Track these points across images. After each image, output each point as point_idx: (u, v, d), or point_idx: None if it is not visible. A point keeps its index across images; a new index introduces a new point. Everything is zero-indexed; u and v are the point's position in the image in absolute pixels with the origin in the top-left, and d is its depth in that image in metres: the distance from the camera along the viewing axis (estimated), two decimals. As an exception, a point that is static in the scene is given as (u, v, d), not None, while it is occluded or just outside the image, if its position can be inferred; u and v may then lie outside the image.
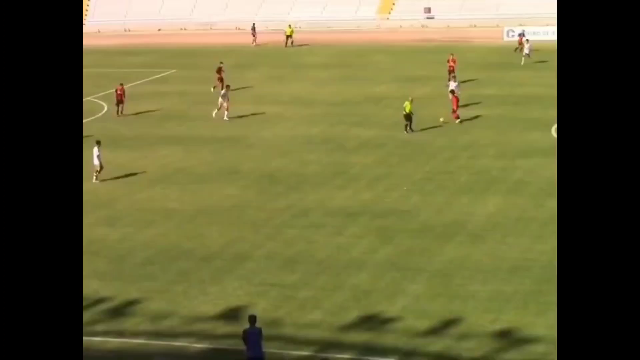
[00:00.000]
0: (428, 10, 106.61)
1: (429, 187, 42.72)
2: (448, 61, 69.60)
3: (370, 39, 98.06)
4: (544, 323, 27.71)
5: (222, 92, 60.32)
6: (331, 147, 51.34)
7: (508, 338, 26.93)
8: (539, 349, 26.14)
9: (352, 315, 28.86)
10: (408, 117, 53.83)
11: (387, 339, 27.20)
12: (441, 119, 55.29)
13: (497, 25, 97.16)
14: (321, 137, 53.95)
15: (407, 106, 53.87)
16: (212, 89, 69.42)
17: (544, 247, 34.14)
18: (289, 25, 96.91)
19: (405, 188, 42.59)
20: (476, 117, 57.77)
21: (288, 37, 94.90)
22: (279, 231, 37.11)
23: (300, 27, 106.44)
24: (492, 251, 34.06)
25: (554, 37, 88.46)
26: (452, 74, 66.36)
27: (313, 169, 46.65)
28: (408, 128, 53.78)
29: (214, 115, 59.29)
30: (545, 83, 67.36)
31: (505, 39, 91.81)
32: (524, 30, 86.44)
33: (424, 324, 27.96)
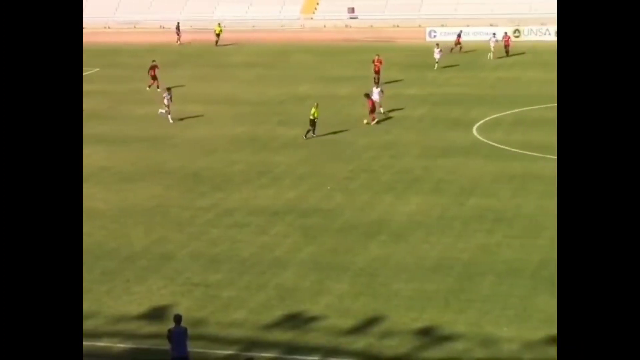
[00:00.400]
0: (352, 10, 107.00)
1: (353, 186, 43.09)
2: (373, 62, 69.55)
3: (295, 39, 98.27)
4: (464, 320, 28.21)
5: (165, 94, 59.17)
6: (256, 147, 51.47)
7: (429, 335, 27.36)
8: (459, 346, 26.61)
9: (276, 314, 29.07)
10: (313, 122, 52.64)
11: (311, 337, 27.46)
12: (365, 121, 55.66)
13: (420, 26, 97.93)
14: (246, 137, 54.04)
15: (314, 112, 52.72)
16: (147, 88, 69.09)
17: (465, 246, 34.69)
18: (219, 24, 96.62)
19: (329, 187, 42.90)
20: (399, 117, 58.27)
21: (218, 35, 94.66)
22: (203, 230, 37.18)
23: (225, 27, 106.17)
24: (414, 250, 34.51)
25: (474, 37, 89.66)
26: (377, 75, 66.82)
27: (238, 169, 46.75)
28: (310, 133, 52.49)
29: (159, 112, 58.58)
30: (465, 83, 68.25)
31: (428, 39, 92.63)
32: (461, 31, 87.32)
33: (347, 322, 28.27)
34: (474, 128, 54.08)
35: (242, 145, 51.97)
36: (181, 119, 58.76)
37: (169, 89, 59.53)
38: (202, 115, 60.43)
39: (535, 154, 47.00)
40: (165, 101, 58.14)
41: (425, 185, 42.97)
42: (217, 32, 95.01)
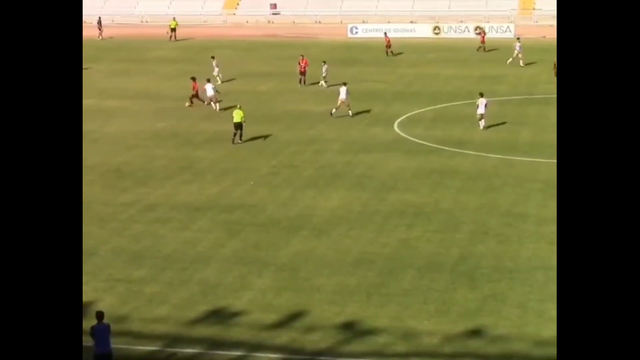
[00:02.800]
0: (274, 6, 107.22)
1: (275, 181, 43.27)
2: (299, 62, 68.91)
3: (217, 34, 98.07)
4: (386, 314, 28.56)
5: None
6: (178, 142, 51.37)
7: (352, 330, 27.64)
8: (380, 340, 26.93)
9: (199, 309, 29.14)
10: (238, 126, 50.49)
11: (234, 332, 27.58)
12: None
13: (341, 22, 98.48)
14: (168, 132, 53.90)
15: (238, 114, 50.68)
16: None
17: (387, 240, 35.08)
18: (174, 19, 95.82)
19: (251, 182, 43.03)
20: (321, 112, 58.54)
21: (173, 30, 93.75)
22: (125, 226, 37.06)
23: (147, 22, 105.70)
24: (336, 245, 34.80)
25: (395, 34, 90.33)
26: (303, 76, 66.95)
27: (159, 164, 46.62)
28: (237, 138, 50.55)
29: None
30: (386, 79, 68.79)
31: (349, 35, 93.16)
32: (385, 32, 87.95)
33: (270, 317, 28.44)
34: (395, 124, 54.59)
35: (164, 140, 51.83)
36: (100, 114, 58.38)
37: None
38: (123, 110, 60.09)
39: (453, 149, 47.65)
40: None
41: (346, 181, 43.30)
42: (172, 26, 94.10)
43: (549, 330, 27.27)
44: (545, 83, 67.18)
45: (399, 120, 55.60)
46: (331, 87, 65.58)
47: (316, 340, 26.94)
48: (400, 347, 26.51)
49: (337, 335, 27.24)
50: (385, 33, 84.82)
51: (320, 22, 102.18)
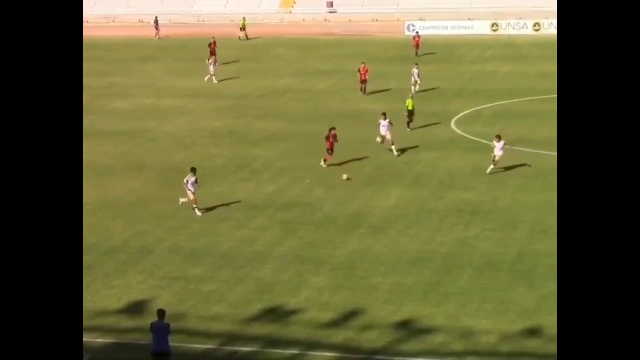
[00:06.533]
0: (330, 4, 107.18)
1: (332, 180, 43.19)
2: (359, 70, 64.40)
3: (274, 32, 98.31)
4: (442, 313, 28.37)
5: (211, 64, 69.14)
6: (235, 140, 51.51)
7: (408, 328, 27.50)
8: (437, 339, 26.75)
9: (256, 307, 29.15)
10: (411, 113, 52.41)
11: (290, 330, 27.56)
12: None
13: (398, 20, 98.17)
14: (225, 130, 54.07)
15: (409, 103, 52.54)
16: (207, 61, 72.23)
17: (444, 239, 34.86)
18: (244, 18, 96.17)
19: (308, 181, 42.99)
20: (378, 110, 58.28)
21: (242, 29, 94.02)
22: (183, 224, 37.21)
23: (203, 21, 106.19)
24: (393, 243, 34.64)
25: (452, 31, 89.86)
26: (364, 84, 63.36)
27: (217, 162, 46.78)
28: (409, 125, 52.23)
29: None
30: (444, 77, 68.32)
31: (406, 33, 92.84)
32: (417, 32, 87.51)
33: (326, 315, 28.38)
34: (452, 121, 54.28)
35: (221, 139, 51.99)
36: (158, 113, 58.73)
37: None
38: (180, 109, 60.40)
39: (511, 147, 47.22)
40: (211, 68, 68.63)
41: (405, 179, 43.10)
42: (242, 25, 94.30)
43: (609, 330, 26.93)
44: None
45: (457, 117, 55.26)
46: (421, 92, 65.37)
47: (372, 339, 26.83)
48: (457, 346, 26.32)
49: (393, 334, 27.11)
50: (416, 32, 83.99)
51: (376, 20, 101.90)
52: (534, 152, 46.94)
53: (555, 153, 48.26)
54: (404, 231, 35.91)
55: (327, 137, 45.37)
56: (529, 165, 43.87)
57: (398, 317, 28.22)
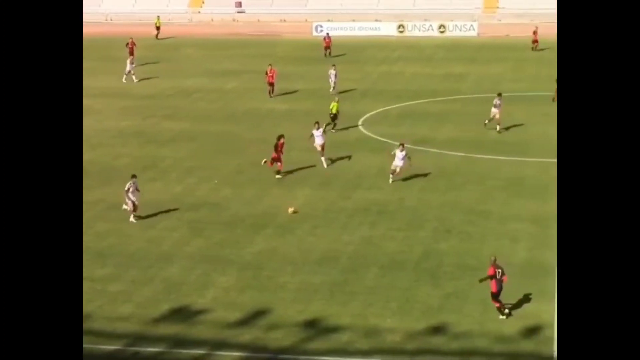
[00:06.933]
0: (239, 4, 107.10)
1: (240, 180, 43.32)
2: (266, 73, 63.69)
3: (182, 32, 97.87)
4: (349, 312, 28.74)
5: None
6: (142, 140, 51.30)
7: (315, 328, 27.80)
8: (343, 337, 27.11)
9: (163, 308, 29.19)
10: (334, 117, 52.09)
11: (197, 330, 27.66)
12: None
13: (306, 20, 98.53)
14: (132, 130, 53.80)
15: (334, 106, 52.32)
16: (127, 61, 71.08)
17: (351, 238, 35.27)
18: (158, 17, 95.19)
19: (215, 181, 43.07)
20: (286, 110, 58.66)
21: (157, 28, 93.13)
22: (89, 225, 36.94)
23: (111, 20, 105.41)
24: (300, 243, 34.94)
25: (360, 32, 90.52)
26: (271, 87, 62.58)
27: (124, 162, 46.55)
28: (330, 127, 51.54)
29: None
30: (351, 78, 68.82)
31: (314, 34, 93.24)
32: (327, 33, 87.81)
33: (233, 315, 28.55)
34: (360, 122, 54.78)
35: (129, 139, 51.74)
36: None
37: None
38: (86, 109, 59.83)
39: (417, 147, 47.84)
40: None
41: (313, 179, 43.41)
42: (157, 24, 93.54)
43: (510, 326, 27.59)
44: (509, 81, 67.54)
45: (364, 118, 55.77)
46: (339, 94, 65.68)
47: (279, 338, 27.07)
48: (363, 345, 26.70)
49: (300, 333, 27.39)
50: (327, 33, 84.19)
51: (285, 21, 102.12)
52: (438, 152, 47.64)
53: (459, 154, 49.16)
54: (312, 231, 36.23)
55: (276, 146, 43.89)
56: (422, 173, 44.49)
57: (305, 317, 28.50)
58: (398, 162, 41.90)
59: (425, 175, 43.31)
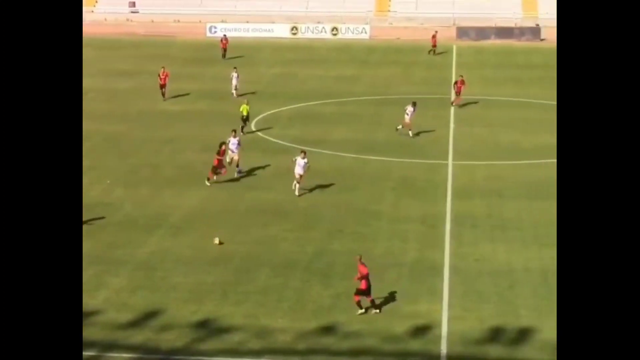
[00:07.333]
0: (132, 4, 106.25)
1: (133, 180, 43.13)
2: (159, 75, 62.31)
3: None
4: (241, 312, 28.91)
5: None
6: (33, 141, 50.59)
7: (207, 328, 27.89)
8: (235, 338, 27.27)
9: (54, 309, 28.93)
10: (245, 119, 52.01)
11: (88, 332, 27.33)
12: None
13: (200, 21, 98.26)
14: (22, 131, 53.01)
15: (244, 109, 52.16)
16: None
17: (244, 238, 35.44)
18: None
19: (108, 181, 42.80)
20: (179, 111, 58.52)
21: None
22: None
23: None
24: (194, 243, 34.96)
25: (254, 34, 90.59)
26: (163, 89, 61.57)
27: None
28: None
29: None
30: (245, 79, 68.93)
31: (208, 35, 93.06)
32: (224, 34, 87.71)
33: (125, 316, 28.46)
34: (253, 123, 54.94)
35: (19, 139, 50.97)
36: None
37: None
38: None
39: (311, 148, 48.22)
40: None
41: (205, 180, 43.40)
42: None
43: (400, 326, 28.09)
44: (399, 84, 68.46)
45: (257, 119, 55.94)
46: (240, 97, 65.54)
47: (171, 339, 27.09)
48: (255, 345, 26.89)
49: (192, 334, 27.45)
50: (224, 35, 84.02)
51: (179, 21, 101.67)
52: (331, 153, 48.09)
53: (352, 155, 49.60)
54: (205, 231, 36.28)
55: (218, 153, 42.58)
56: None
57: (198, 317, 28.58)
58: (299, 170, 40.71)
59: (319, 176, 43.65)
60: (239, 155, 44.02)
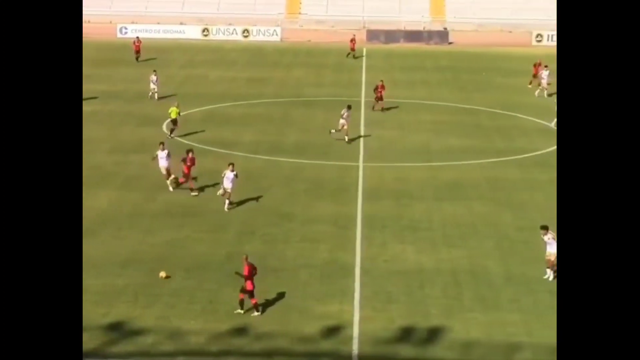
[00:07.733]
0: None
1: (41, 183, 42.61)
2: None
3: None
4: (153, 314, 28.89)
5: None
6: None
7: (119, 330, 27.82)
8: (147, 340, 27.24)
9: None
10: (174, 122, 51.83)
11: (-1, 335, 27.23)
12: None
13: (111, 22, 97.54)
14: None
15: (173, 111, 52.02)
16: None
17: (155, 241, 35.38)
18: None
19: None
20: (90, 112, 57.98)
21: None
22: None
23: None
24: (104, 245, 34.79)
25: (165, 35, 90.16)
26: None
27: None
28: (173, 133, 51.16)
29: None
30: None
31: (119, 35, 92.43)
32: (137, 37, 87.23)
33: (36, 319, 28.20)
34: (164, 125, 54.77)
35: None
36: None
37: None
38: None
39: (222, 150, 48.32)
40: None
41: (116, 181, 43.22)
42: None
43: (311, 327, 28.35)
44: (310, 86, 68.85)
45: (168, 121, 55.76)
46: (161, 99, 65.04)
47: (83, 342, 26.85)
48: (167, 347, 26.91)
49: (103, 336, 27.36)
50: (137, 37, 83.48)
51: (89, 22, 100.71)
52: (243, 155, 48.18)
53: (263, 157, 49.83)
54: (115, 233, 36.13)
55: (185, 160, 41.69)
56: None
57: (109, 319, 28.49)
58: (227, 184, 39.21)
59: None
60: (170, 165, 42.29)
